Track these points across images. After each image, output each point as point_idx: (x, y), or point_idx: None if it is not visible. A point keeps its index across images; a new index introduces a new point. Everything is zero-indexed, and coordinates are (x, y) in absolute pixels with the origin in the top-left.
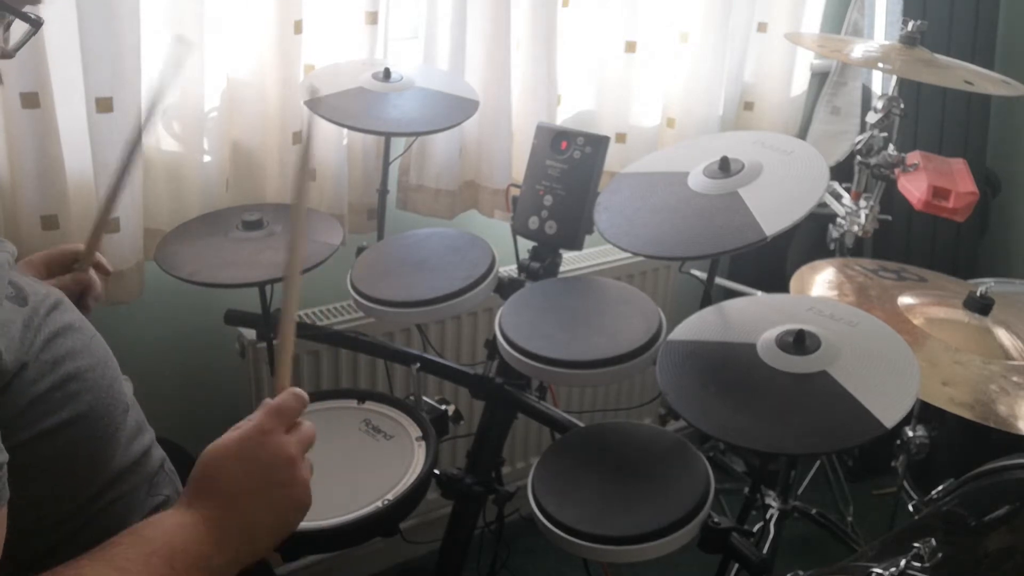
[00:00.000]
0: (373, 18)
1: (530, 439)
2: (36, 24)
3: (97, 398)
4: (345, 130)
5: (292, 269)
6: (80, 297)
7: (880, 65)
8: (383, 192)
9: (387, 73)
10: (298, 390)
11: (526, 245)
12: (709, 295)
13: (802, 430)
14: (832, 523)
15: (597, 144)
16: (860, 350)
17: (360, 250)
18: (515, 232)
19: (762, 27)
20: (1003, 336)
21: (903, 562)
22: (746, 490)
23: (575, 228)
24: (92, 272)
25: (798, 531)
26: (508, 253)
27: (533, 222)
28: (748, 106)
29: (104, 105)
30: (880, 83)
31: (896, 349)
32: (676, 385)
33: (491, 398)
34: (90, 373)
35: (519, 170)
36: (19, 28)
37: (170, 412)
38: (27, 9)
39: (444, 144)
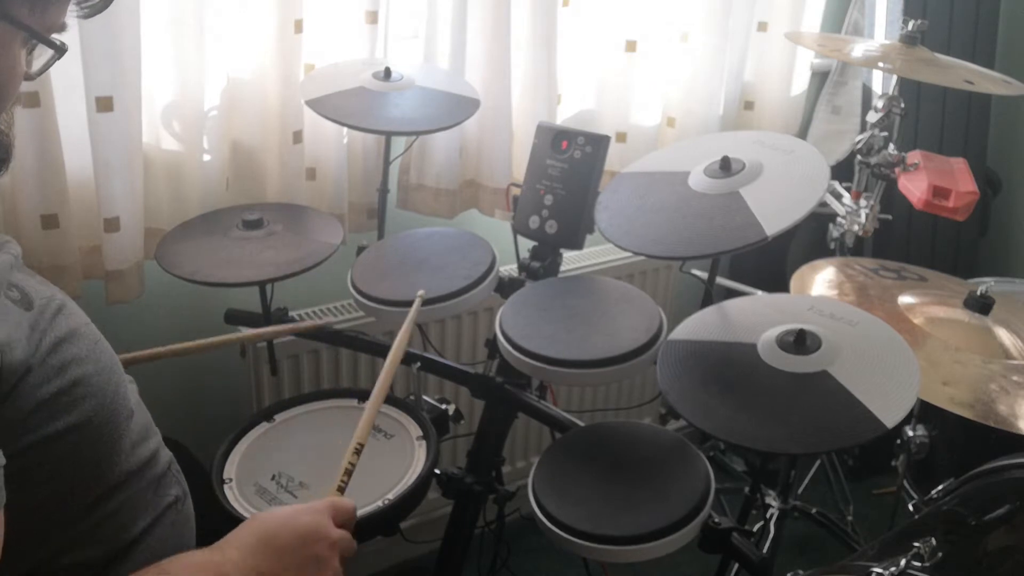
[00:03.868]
0: (373, 17)
1: (530, 438)
2: (60, 51)
3: (102, 404)
4: (345, 129)
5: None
6: None
7: (880, 64)
8: (383, 191)
9: (387, 72)
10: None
11: (526, 244)
12: (710, 294)
13: (802, 430)
14: (832, 522)
15: (597, 143)
16: (860, 350)
17: (360, 249)
18: (515, 231)
19: (762, 26)
20: (1003, 335)
21: (903, 562)
22: (746, 490)
23: (575, 227)
24: None
25: (798, 531)
26: (508, 252)
27: (534, 221)
28: (748, 105)
29: (104, 104)
30: (880, 82)
31: (896, 349)
32: (676, 385)
33: (491, 397)
34: (95, 378)
35: (519, 169)
36: (42, 52)
37: (171, 412)
38: (53, 36)
39: (444, 143)
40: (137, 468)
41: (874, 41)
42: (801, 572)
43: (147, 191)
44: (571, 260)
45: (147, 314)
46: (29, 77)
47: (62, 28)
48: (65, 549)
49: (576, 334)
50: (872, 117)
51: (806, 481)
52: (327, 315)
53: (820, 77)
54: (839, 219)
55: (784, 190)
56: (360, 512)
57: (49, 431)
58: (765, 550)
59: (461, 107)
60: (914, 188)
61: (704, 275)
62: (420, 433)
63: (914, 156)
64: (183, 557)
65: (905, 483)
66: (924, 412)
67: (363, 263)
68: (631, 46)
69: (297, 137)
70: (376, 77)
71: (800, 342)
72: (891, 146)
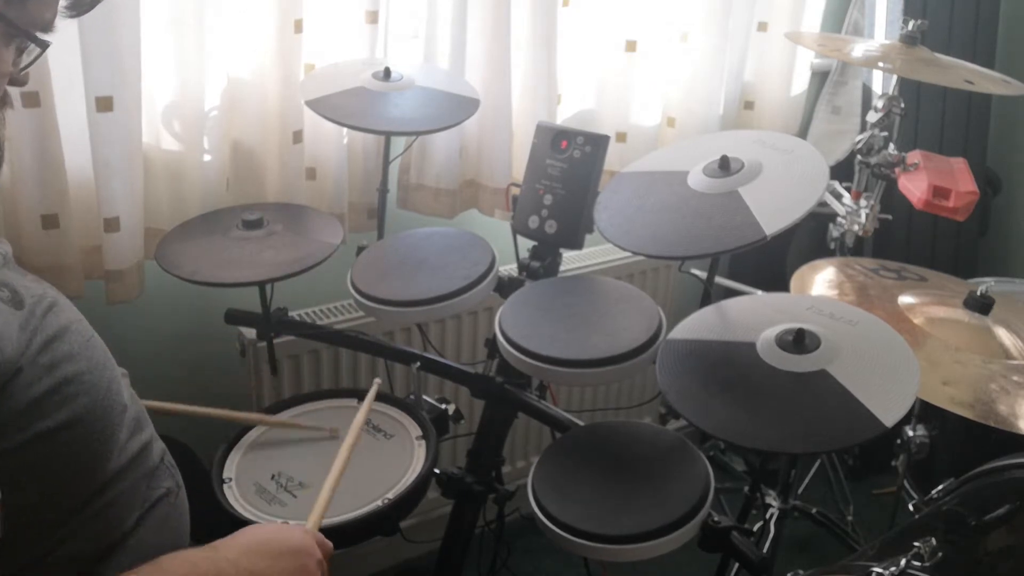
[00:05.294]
0: (373, 17)
1: (530, 438)
2: (42, 46)
3: (94, 400)
4: (345, 129)
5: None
6: None
7: (880, 64)
8: (383, 191)
9: (387, 72)
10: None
11: (526, 244)
12: (709, 294)
13: (802, 429)
14: (832, 522)
15: (597, 143)
16: (860, 349)
17: (360, 249)
18: (515, 231)
19: (762, 26)
20: (1003, 335)
21: (903, 561)
22: (746, 489)
23: (575, 227)
24: None
25: (798, 530)
26: (508, 252)
27: (533, 221)
28: (748, 105)
29: (104, 104)
30: (880, 82)
31: (896, 348)
32: (676, 384)
33: (491, 397)
34: (87, 376)
35: (519, 169)
36: (30, 53)
37: None
38: (39, 34)
39: (444, 143)
40: (130, 462)
41: (874, 41)
42: (801, 572)
43: (147, 191)
44: (571, 260)
45: (147, 314)
46: (15, 80)
47: (48, 26)
48: (58, 544)
49: (576, 334)
50: (872, 117)
51: (806, 481)
52: (327, 315)
53: (820, 77)
54: (839, 219)
55: (783, 190)
56: (360, 511)
57: (41, 429)
58: (765, 550)
59: (461, 107)
60: (914, 188)
61: (703, 275)
62: (420, 433)
63: (914, 156)
64: (180, 554)
65: (905, 483)
66: (924, 412)
67: (363, 263)
68: (631, 46)
69: (297, 137)
70: (376, 77)
71: (799, 341)
72: (891, 146)
